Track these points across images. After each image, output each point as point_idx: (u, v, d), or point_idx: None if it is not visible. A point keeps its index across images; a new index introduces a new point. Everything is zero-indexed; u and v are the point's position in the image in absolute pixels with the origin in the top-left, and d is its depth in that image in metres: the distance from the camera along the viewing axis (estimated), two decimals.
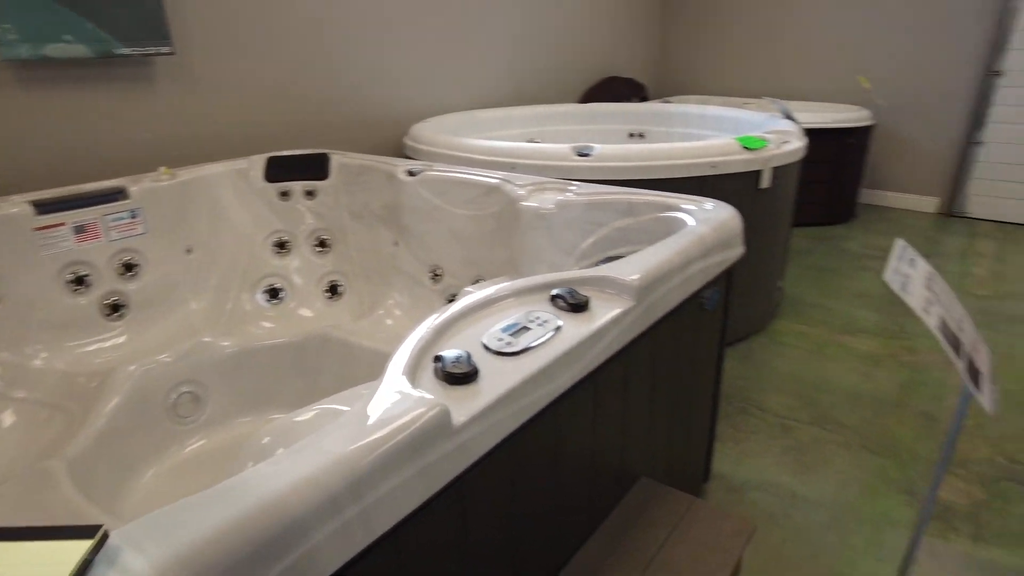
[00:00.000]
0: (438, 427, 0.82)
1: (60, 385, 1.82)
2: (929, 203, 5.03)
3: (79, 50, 2.01)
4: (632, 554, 1.27)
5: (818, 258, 4.05)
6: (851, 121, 4.42)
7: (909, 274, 0.97)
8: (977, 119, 4.66)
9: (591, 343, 1.12)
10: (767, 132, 2.72)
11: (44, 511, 1.41)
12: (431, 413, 0.81)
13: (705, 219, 1.60)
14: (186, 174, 2.18)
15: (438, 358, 0.99)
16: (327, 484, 0.67)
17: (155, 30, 2.16)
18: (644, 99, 5.14)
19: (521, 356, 1.02)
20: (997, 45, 4.46)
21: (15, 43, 1.89)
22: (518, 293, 1.24)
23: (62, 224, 1.88)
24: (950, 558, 1.77)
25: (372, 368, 2.13)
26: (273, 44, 2.62)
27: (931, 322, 0.91)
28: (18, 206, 1.80)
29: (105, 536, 0.60)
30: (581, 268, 1.70)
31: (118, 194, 1.99)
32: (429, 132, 2.84)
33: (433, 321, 1.10)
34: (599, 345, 1.15)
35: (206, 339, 2.10)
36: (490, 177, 2.19)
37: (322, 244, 2.48)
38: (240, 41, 2.50)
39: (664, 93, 5.90)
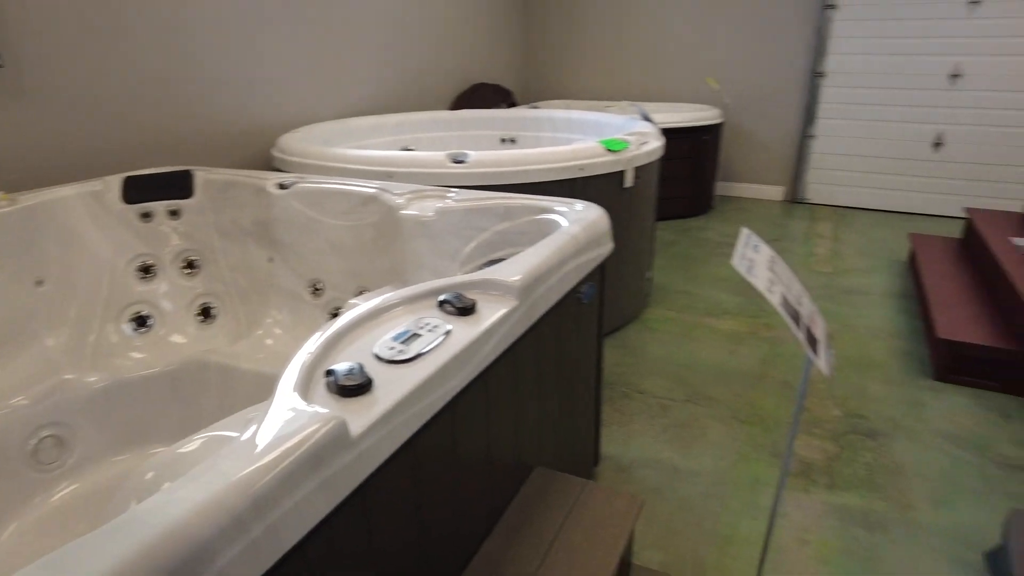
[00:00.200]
0: (336, 440, 0.83)
1: None
2: (776, 192, 5.54)
3: None
4: (533, 541, 1.33)
5: (682, 248, 4.35)
6: (703, 120, 4.78)
7: (754, 259, 1.10)
8: (809, 115, 5.19)
9: (480, 344, 1.17)
10: (628, 134, 2.90)
11: None
12: (327, 427, 0.82)
13: (576, 219, 1.70)
14: (29, 199, 2.00)
15: (330, 372, 0.99)
16: (230, 505, 0.67)
17: None
18: (512, 104, 5.28)
19: (414, 363, 1.05)
20: (819, 50, 5.00)
21: None
22: (406, 301, 1.26)
23: None
24: (811, 507, 1.99)
25: (256, 391, 2.06)
26: (120, 53, 2.46)
27: (774, 300, 1.04)
28: None
29: None
30: (465, 272, 1.75)
31: None
32: (299, 143, 2.78)
33: (321, 335, 1.10)
34: (488, 345, 1.20)
35: (68, 376, 1.94)
36: (367, 187, 2.18)
37: (191, 265, 2.37)
38: (81, 50, 2.33)
39: (531, 98, 6.09)
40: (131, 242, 2.24)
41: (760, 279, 1.06)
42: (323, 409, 0.86)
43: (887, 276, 3.84)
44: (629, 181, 2.74)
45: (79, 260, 2.11)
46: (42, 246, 2.02)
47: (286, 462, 0.75)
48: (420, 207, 2.08)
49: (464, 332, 1.15)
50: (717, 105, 5.48)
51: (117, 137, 2.49)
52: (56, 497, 1.82)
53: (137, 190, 2.26)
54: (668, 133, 4.55)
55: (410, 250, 2.11)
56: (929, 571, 1.75)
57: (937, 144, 4.91)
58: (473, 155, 2.48)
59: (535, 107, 4.83)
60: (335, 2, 3.50)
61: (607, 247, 1.78)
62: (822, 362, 1.11)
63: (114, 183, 2.22)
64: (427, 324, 1.17)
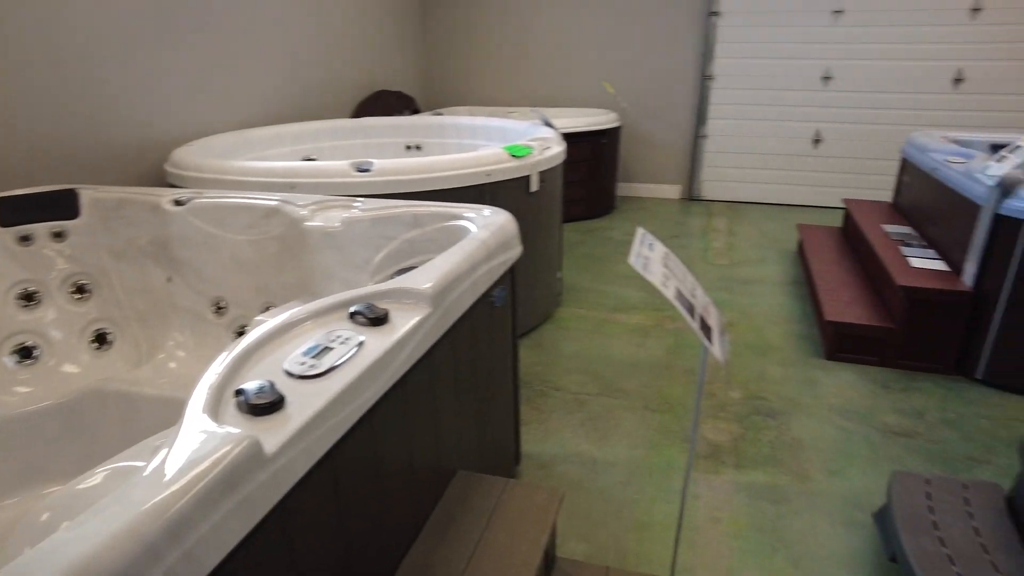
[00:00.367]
0: (250, 459, 0.82)
1: None
2: (674, 191, 5.80)
3: None
4: (458, 543, 1.34)
5: (588, 248, 4.48)
6: (602, 124, 4.94)
7: (649, 256, 1.17)
8: (701, 117, 5.48)
9: (395, 353, 1.17)
10: (531, 140, 2.97)
11: None
12: (240, 447, 0.81)
13: (485, 225, 1.73)
14: None
15: (240, 392, 0.97)
16: (143, 534, 0.65)
17: None
18: (416, 111, 5.27)
19: (326, 377, 1.04)
20: (706, 54, 5.29)
21: None
22: (315, 315, 1.25)
23: None
24: (721, 487, 2.11)
25: (162, 417, 1.97)
26: None
27: (669, 293, 1.11)
28: None
29: None
30: (376, 282, 1.74)
31: None
32: (195, 156, 2.67)
33: (229, 355, 1.08)
34: (403, 354, 1.21)
35: None
36: (268, 199, 2.13)
37: (80, 290, 2.23)
38: None
39: (434, 105, 6.10)
40: (8, 268, 2.09)
41: (655, 275, 1.13)
42: (235, 429, 0.84)
43: (779, 265, 4.11)
44: (535, 185, 2.81)
45: None
46: None
47: (200, 485, 0.74)
48: (325, 218, 2.05)
49: (377, 342, 1.16)
50: (615, 109, 5.68)
51: None
52: None
53: (13, 211, 2.11)
54: (569, 138, 4.68)
55: (317, 262, 2.08)
56: (827, 535, 1.90)
57: (816, 141, 5.30)
58: (378, 163, 2.47)
59: (439, 114, 4.85)
60: (230, 11, 3.38)
61: (516, 251, 1.82)
62: (716, 349, 1.19)
63: None
64: (339, 337, 1.16)
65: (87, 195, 2.23)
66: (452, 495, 1.50)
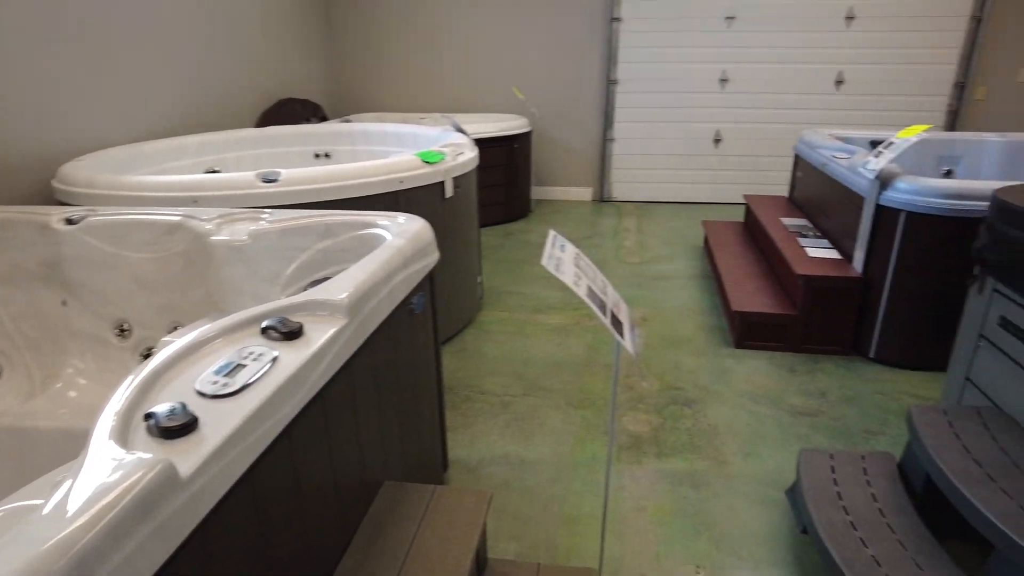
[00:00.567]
0: (164, 483, 0.79)
1: None
2: (585, 193, 5.94)
3: None
4: (387, 554, 1.33)
5: (507, 252, 4.53)
6: (513, 129, 5.01)
7: (561, 257, 1.21)
8: (607, 120, 5.64)
9: (311, 367, 1.16)
10: (443, 146, 2.97)
11: None
12: (153, 472, 0.78)
13: (400, 232, 1.73)
14: None
15: (149, 415, 0.93)
16: (48, 572, 0.61)
17: None
18: (323, 119, 5.16)
19: (240, 395, 1.01)
20: (610, 59, 5.46)
21: None
22: (226, 332, 1.21)
23: None
24: (644, 476, 2.18)
25: (62, 450, 1.85)
26: None
27: (581, 292, 1.15)
28: None
29: None
30: (289, 295, 1.70)
31: None
32: (85, 172, 2.51)
33: (135, 378, 1.03)
34: (320, 367, 1.19)
35: None
36: (170, 214, 2.04)
37: None
38: None
39: (341, 112, 5.99)
40: None
41: (567, 275, 1.17)
42: (146, 454, 0.81)
43: (687, 260, 4.29)
44: (449, 191, 2.82)
45: None
46: None
47: (111, 515, 0.70)
48: (232, 231, 1.99)
49: (292, 357, 1.14)
50: (525, 114, 5.77)
51: None
52: None
53: None
54: (481, 143, 4.71)
55: (225, 277, 2.00)
56: (745, 515, 2.01)
57: (716, 140, 5.57)
58: (285, 173, 2.41)
59: (347, 121, 4.77)
60: (119, 14, 3.20)
61: (433, 257, 1.83)
62: (628, 344, 1.24)
63: None
64: (251, 353, 1.13)
65: None
66: (379, 507, 1.49)
